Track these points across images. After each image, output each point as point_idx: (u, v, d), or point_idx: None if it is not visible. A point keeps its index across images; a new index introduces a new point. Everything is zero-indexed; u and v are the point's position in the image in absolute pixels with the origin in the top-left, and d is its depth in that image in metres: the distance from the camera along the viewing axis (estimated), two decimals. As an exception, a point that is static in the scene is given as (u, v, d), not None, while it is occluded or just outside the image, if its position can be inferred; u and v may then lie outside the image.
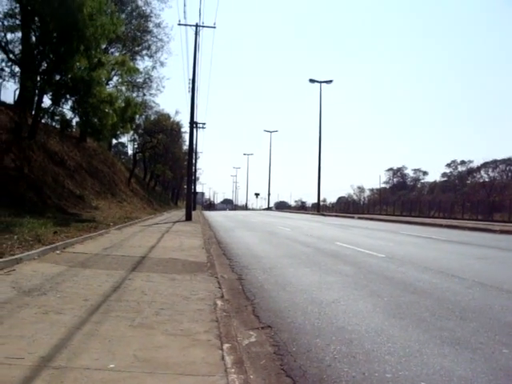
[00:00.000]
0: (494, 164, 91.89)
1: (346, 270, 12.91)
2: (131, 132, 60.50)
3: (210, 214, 65.51)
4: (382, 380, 5.17)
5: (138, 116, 49.10)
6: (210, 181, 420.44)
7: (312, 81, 74.65)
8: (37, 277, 9.83)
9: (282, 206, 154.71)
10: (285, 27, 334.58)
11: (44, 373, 4.71)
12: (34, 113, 29.14)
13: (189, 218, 38.46)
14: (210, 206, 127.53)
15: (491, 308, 8.48)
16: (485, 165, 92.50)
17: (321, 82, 74.42)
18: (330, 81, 75.33)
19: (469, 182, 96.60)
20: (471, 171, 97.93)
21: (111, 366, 4.99)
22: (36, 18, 25.11)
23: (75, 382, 4.52)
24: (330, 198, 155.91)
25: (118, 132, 33.19)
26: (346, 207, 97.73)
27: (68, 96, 26.78)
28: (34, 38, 26.10)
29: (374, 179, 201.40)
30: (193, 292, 9.11)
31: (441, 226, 36.30)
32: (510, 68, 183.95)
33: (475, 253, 17.76)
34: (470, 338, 6.71)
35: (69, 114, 28.36)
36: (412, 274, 12.03)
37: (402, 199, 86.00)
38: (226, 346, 5.84)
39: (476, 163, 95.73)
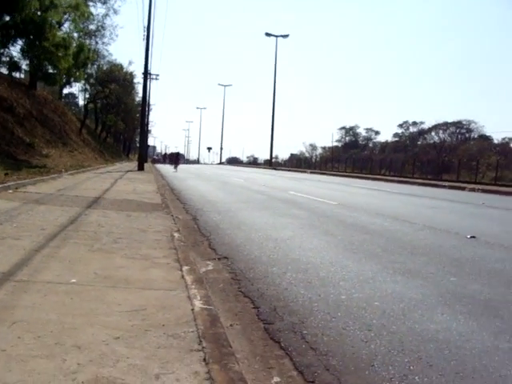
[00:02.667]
0: (445, 126, 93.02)
1: (300, 213, 13.11)
2: (82, 81, 59.28)
3: (162, 167, 64.90)
4: (337, 300, 5.33)
5: (90, 65, 48.06)
6: (162, 134, 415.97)
7: (268, 34, 74.16)
8: (-10, 211, 9.74)
9: (234, 161, 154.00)
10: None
11: (6, 285, 4.74)
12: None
13: (141, 168, 38.29)
14: (176, 159, 61.35)
15: (441, 246, 8.75)
16: (436, 126, 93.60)
17: (277, 36, 74.05)
18: (287, 35, 75.07)
19: (420, 142, 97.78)
20: (422, 132, 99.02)
21: (73, 280, 5.04)
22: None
23: (38, 293, 4.55)
24: (282, 154, 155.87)
25: (71, 78, 32.59)
26: (298, 164, 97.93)
27: (18, 38, 25.93)
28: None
29: (327, 137, 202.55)
30: (149, 226, 9.16)
31: (392, 181, 36.96)
32: (463, 29, 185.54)
33: (425, 203, 18.19)
34: (420, 268, 6.94)
35: (18, 57, 27.57)
36: (364, 219, 12.27)
37: (353, 157, 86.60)
38: (185, 268, 5.93)
39: (427, 124, 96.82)
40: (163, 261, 6.28)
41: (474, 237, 9.73)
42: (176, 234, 8.37)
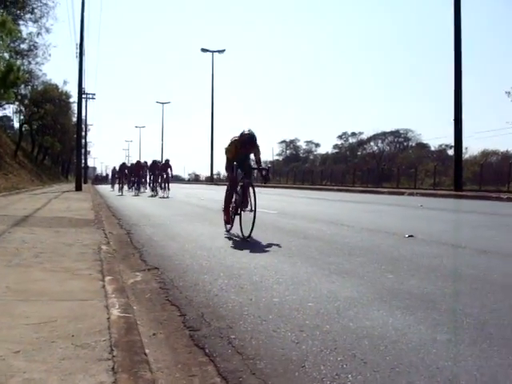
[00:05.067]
0: (383, 136, 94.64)
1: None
2: (16, 103, 58.03)
3: (102, 187, 63.74)
4: (269, 303, 5.07)
5: (22, 85, 47.06)
6: (102, 155, 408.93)
7: (204, 50, 74.11)
8: None
9: (175, 179, 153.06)
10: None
11: None
12: None
13: (79, 188, 37.36)
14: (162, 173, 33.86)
15: (378, 247, 8.62)
16: (374, 136, 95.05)
17: (213, 52, 74.09)
18: (223, 50, 75.15)
19: (359, 153, 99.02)
20: (361, 143, 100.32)
21: (-21, 296, 4.65)
22: None
23: None
24: (224, 170, 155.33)
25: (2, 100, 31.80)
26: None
27: None
28: None
29: (267, 151, 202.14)
30: (77, 240, 8.74)
31: (333, 190, 37.18)
32: (398, 40, 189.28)
33: (364, 208, 18.24)
34: (357, 268, 6.75)
35: None
36: (303, 225, 12.11)
37: (294, 170, 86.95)
38: (107, 278, 5.58)
39: (366, 135, 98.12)
40: (85, 272, 5.91)
41: (411, 236, 9.65)
42: (104, 247, 7.99)
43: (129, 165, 46.13)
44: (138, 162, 42.15)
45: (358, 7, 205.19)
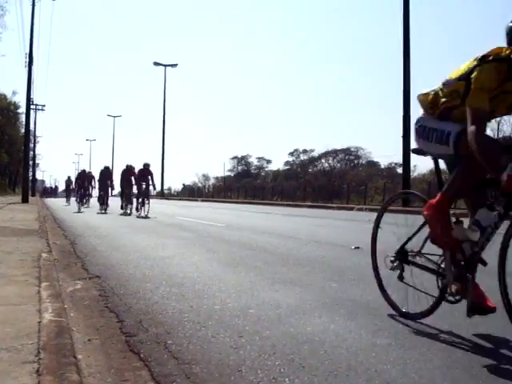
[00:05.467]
0: (334, 153, 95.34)
1: (185, 235, 12.76)
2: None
3: (51, 200, 62.64)
4: (210, 310, 4.98)
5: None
6: (52, 168, 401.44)
7: (156, 64, 73.81)
8: None
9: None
10: (131, 7, 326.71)
11: None
12: None
13: (25, 200, 36.65)
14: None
15: (324, 257, 8.61)
16: (325, 154, 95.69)
17: (165, 66, 73.88)
18: (175, 64, 75.01)
19: (310, 170, 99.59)
20: (313, 160, 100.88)
21: None
22: None
23: None
24: (175, 185, 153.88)
25: None
26: (191, 194, 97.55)
27: None
28: None
29: (219, 167, 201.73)
30: (17, 249, 8.51)
31: (282, 205, 37.35)
32: (348, 57, 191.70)
33: (312, 222, 18.31)
34: (301, 277, 6.72)
35: None
36: (250, 237, 12.06)
37: (245, 186, 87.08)
38: (43, 284, 5.41)
39: (317, 152, 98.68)
40: (21, 278, 5.74)
41: (358, 247, 9.67)
42: (44, 255, 7.79)
43: (87, 173, 36.69)
44: (107, 169, 31.59)
45: (308, 24, 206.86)
